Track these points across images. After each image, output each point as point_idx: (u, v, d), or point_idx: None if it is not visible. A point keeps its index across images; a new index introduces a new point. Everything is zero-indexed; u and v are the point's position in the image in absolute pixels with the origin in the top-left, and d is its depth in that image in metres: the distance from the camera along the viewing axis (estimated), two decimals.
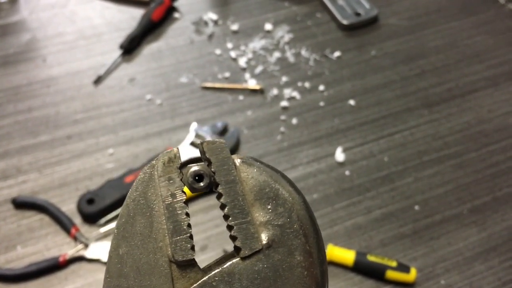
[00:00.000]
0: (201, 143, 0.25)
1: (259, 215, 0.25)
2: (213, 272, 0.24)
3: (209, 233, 0.62)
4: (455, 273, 0.59)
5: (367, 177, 0.67)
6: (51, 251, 0.60)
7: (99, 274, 0.59)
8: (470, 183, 0.66)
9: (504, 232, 0.62)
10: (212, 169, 0.25)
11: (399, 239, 0.62)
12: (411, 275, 0.57)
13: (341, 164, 0.68)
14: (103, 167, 0.67)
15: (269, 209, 0.25)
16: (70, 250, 0.60)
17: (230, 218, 0.24)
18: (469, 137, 0.71)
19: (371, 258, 0.58)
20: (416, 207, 0.64)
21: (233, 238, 0.24)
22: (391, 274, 0.57)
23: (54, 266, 0.58)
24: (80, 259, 0.59)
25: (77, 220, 0.62)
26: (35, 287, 0.57)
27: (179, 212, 0.24)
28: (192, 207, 0.64)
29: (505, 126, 0.72)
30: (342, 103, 0.74)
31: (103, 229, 0.61)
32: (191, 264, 0.24)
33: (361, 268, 0.58)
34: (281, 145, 0.70)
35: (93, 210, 0.62)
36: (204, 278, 0.24)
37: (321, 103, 0.74)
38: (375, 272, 0.58)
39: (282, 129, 0.71)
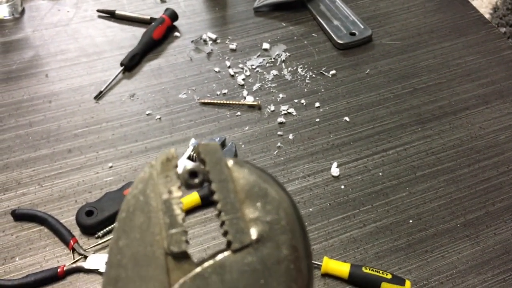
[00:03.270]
0: (197, 145, 0.27)
1: (249, 212, 0.26)
2: (205, 264, 0.25)
3: (206, 245, 0.63)
4: (449, 286, 0.60)
5: (362, 192, 0.68)
6: (50, 262, 0.61)
7: (97, 285, 0.60)
8: (463, 198, 0.68)
9: (497, 245, 0.63)
10: (206, 168, 0.27)
11: (393, 252, 0.62)
12: None
13: (336, 179, 0.69)
14: (102, 180, 0.68)
15: (258, 206, 0.27)
16: (68, 261, 0.60)
17: (222, 213, 0.26)
18: (461, 153, 0.72)
19: (366, 270, 0.59)
20: (410, 221, 0.65)
21: (225, 233, 0.26)
22: (386, 287, 0.58)
23: (52, 277, 0.59)
24: (78, 270, 0.60)
25: (76, 232, 0.63)
26: None
27: (175, 207, 0.26)
28: (190, 220, 0.65)
29: (496, 142, 0.74)
30: (338, 120, 0.76)
31: (101, 241, 0.62)
32: (186, 256, 0.26)
33: (356, 280, 0.59)
34: (277, 159, 0.71)
35: (92, 222, 0.63)
36: (197, 270, 0.25)
37: (317, 119, 0.76)
38: (370, 285, 0.59)
39: (278, 144, 0.73)
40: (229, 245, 0.26)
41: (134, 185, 0.27)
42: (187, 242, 0.26)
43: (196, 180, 0.27)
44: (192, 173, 0.27)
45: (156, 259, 0.25)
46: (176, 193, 0.26)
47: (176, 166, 0.27)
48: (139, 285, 0.25)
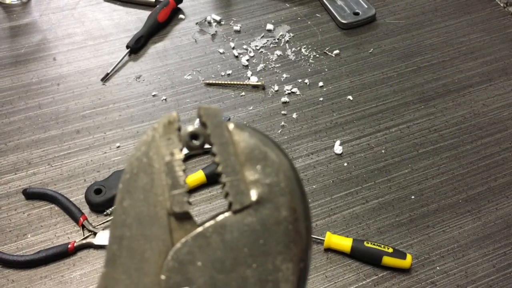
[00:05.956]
0: (199, 109, 0.28)
1: (249, 174, 0.27)
2: (207, 224, 0.26)
3: None
4: (450, 259, 0.61)
5: (365, 169, 0.69)
6: (60, 239, 0.63)
7: None
8: (465, 174, 0.68)
9: (499, 220, 0.64)
10: (207, 131, 0.27)
11: (395, 228, 0.63)
12: (407, 261, 0.59)
13: (339, 156, 0.70)
14: (110, 159, 0.70)
15: (258, 169, 0.27)
16: (78, 237, 0.62)
17: (223, 175, 0.26)
18: (464, 130, 0.73)
19: (368, 245, 0.60)
20: (412, 197, 0.66)
21: (226, 194, 0.26)
22: (387, 260, 0.59)
23: (63, 253, 0.61)
24: (88, 246, 0.62)
25: (85, 209, 0.65)
26: (45, 272, 0.60)
27: (177, 169, 0.26)
28: (196, 198, 0.66)
29: (499, 119, 0.74)
30: (341, 98, 0.77)
31: (110, 218, 0.64)
32: (188, 217, 0.26)
33: (358, 254, 0.60)
34: (281, 138, 0.72)
35: (101, 200, 0.64)
36: (199, 229, 0.26)
37: (321, 98, 0.77)
38: (372, 258, 0.60)
39: (282, 123, 0.74)
40: (229, 206, 0.26)
41: (137, 147, 0.27)
42: (189, 202, 0.26)
43: (197, 142, 0.27)
44: (193, 135, 0.27)
45: (159, 219, 0.26)
46: (178, 155, 0.27)
47: (178, 129, 0.27)
48: (143, 244, 0.26)
